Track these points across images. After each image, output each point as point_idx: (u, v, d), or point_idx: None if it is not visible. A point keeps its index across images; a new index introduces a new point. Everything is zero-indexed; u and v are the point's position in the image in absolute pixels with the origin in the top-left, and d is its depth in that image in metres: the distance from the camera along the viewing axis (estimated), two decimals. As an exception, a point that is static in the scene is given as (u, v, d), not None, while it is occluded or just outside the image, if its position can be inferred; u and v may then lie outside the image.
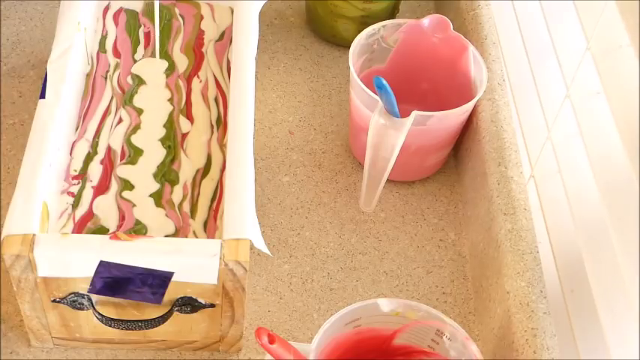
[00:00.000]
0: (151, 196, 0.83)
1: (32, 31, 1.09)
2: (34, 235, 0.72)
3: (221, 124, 0.89)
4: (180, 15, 0.98)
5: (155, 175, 0.84)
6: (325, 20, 1.09)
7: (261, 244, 0.76)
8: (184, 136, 0.87)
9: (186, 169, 0.85)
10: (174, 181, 0.84)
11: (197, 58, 0.94)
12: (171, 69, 0.93)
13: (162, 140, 0.87)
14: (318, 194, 0.96)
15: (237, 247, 0.73)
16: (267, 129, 1.02)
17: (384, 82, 0.84)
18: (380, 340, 0.76)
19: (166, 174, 0.84)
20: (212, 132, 0.88)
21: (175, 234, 0.80)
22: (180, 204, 0.82)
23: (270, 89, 1.06)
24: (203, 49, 0.95)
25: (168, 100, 0.90)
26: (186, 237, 0.80)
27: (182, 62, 0.94)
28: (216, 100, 0.91)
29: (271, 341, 0.67)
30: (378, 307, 0.73)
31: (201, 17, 0.99)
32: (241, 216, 0.76)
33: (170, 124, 0.88)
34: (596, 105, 0.76)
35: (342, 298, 0.88)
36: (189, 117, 0.89)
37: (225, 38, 0.97)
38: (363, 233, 0.93)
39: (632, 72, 0.70)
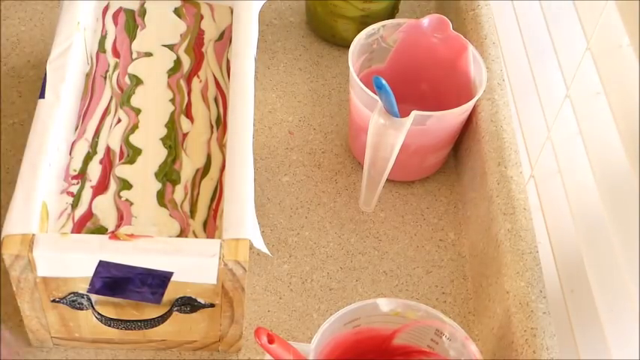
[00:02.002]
0: (153, 195, 0.83)
1: (32, 31, 1.09)
2: (33, 235, 0.72)
3: (221, 124, 0.88)
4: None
5: (157, 175, 0.84)
6: (325, 20, 1.09)
7: (260, 244, 0.76)
8: (184, 135, 0.87)
9: (187, 169, 0.85)
10: (175, 181, 0.84)
11: (197, 57, 0.94)
12: (175, 69, 0.93)
13: (164, 140, 0.87)
14: (318, 194, 0.96)
15: (237, 247, 0.73)
16: (266, 129, 1.02)
17: (384, 81, 0.84)
18: (379, 339, 0.76)
19: (168, 174, 0.84)
20: (212, 132, 0.88)
21: (181, 234, 0.80)
22: (181, 204, 0.82)
23: (270, 89, 1.06)
24: (203, 49, 0.95)
25: (170, 100, 0.90)
26: (186, 237, 0.80)
27: (184, 62, 0.94)
28: (215, 100, 0.91)
29: (270, 341, 0.67)
30: (377, 307, 0.73)
31: (201, 17, 0.99)
32: (241, 216, 0.76)
33: (172, 124, 0.88)
34: (596, 105, 0.76)
35: (342, 297, 0.88)
36: (189, 117, 0.89)
37: (224, 38, 0.97)
38: (362, 233, 0.93)
39: (632, 72, 0.70)
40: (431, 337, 0.74)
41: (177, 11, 0.99)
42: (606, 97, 0.70)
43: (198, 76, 0.93)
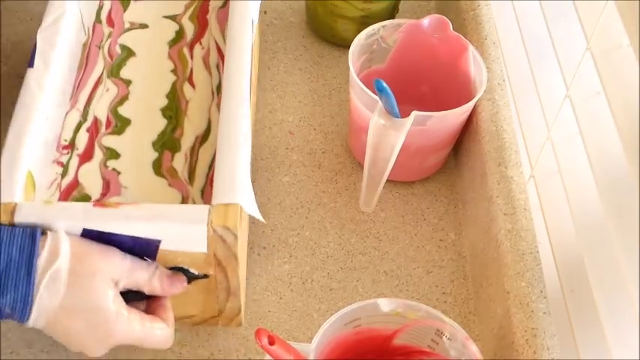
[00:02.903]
0: (148, 165, 0.82)
1: (32, 31, 1.09)
2: (15, 203, 0.71)
3: (221, 90, 0.87)
4: None
5: (154, 144, 0.83)
6: (325, 20, 1.09)
7: (253, 210, 0.73)
8: (187, 103, 0.86)
9: (188, 137, 0.84)
10: (175, 149, 0.82)
11: (201, 25, 0.94)
12: (177, 39, 0.92)
13: (164, 110, 0.86)
14: (318, 194, 0.96)
15: (226, 212, 0.70)
16: (267, 129, 1.02)
17: (385, 84, 0.84)
18: (380, 340, 0.76)
19: (167, 142, 0.83)
20: (213, 98, 0.87)
21: (183, 203, 0.78)
22: (181, 172, 0.81)
23: (270, 89, 1.06)
24: (207, 16, 0.95)
25: (172, 70, 0.89)
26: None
27: (187, 30, 0.93)
28: (217, 66, 0.90)
29: (271, 342, 0.67)
30: (377, 307, 0.73)
31: None
32: (231, 181, 0.73)
33: (173, 94, 0.87)
34: (596, 105, 0.76)
35: (342, 298, 0.88)
36: (192, 83, 0.88)
37: (227, 5, 0.96)
38: (363, 233, 0.93)
39: (632, 72, 0.70)
40: (431, 338, 0.74)
41: None
42: (606, 97, 0.70)
43: (200, 43, 0.92)
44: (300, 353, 0.69)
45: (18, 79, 1.03)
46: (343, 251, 0.92)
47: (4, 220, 0.70)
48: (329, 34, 1.11)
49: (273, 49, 1.10)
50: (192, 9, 0.95)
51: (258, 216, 0.75)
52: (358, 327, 0.74)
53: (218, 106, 0.85)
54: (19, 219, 0.70)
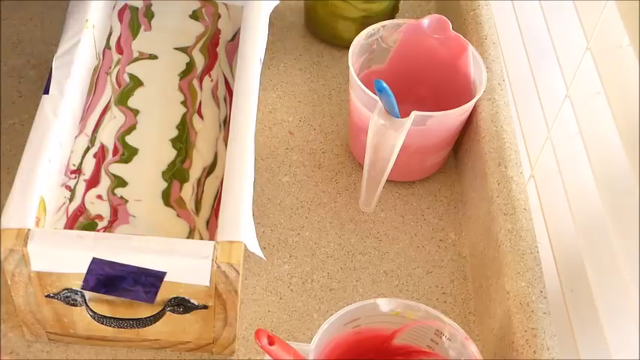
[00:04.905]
0: (157, 195, 0.83)
1: (32, 31, 1.09)
2: (28, 229, 0.72)
3: (227, 123, 0.89)
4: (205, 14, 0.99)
5: (164, 174, 0.84)
6: (325, 21, 1.09)
7: (255, 248, 0.76)
8: (196, 134, 0.87)
9: (196, 168, 0.85)
10: (184, 179, 0.83)
11: (211, 57, 0.95)
12: (187, 71, 0.93)
13: (174, 141, 0.87)
14: (318, 194, 0.96)
15: (231, 249, 0.73)
16: (267, 129, 1.02)
17: (385, 84, 0.84)
18: (379, 340, 0.76)
19: (176, 173, 0.84)
20: (220, 131, 0.88)
21: (190, 234, 0.80)
22: (188, 202, 0.82)
23: (270, 89, 1.06)
24: (217, 49, 0.95)
25: (182, 102, 0.90)
26: (194, 237, 0.80)
27: (198, 62, 0.94)
28: (225, 99, 0.91)
29: (271, 343, 0.67)
30: (377, 307, 0.73)
31: (219, 16, 0.99)
32: (236, 218, 0.75)
33: (183, 125, 0.88)
34: (596, 105, 0.76)
35: (342, 298, 0.88)
36: (201, 115, 0.89)
37: (236, 39, 0.97)
38: (363, 233, 0.93)
39: (632, 72, 0.70)
40: (431, 337, 0.74)
41: (195, 14, 0.99)
42: (606, 97, 0.70)
43: (209, 75, 0.93)
44: (299, 353, 0.69)
45: (18, 79, 1.03)
46: (343, 251, 0.91)
47: (17, 245, 0.72)
48: (329, 35, 1.10)
49: (273, 49, 1.10)
50: (202, 41, 0.96)
51: (260, 254, 0.77)
52: (358, 327, 0.74)
53: (224, 139, 0.87)
54: (31, 245, 0.72)
